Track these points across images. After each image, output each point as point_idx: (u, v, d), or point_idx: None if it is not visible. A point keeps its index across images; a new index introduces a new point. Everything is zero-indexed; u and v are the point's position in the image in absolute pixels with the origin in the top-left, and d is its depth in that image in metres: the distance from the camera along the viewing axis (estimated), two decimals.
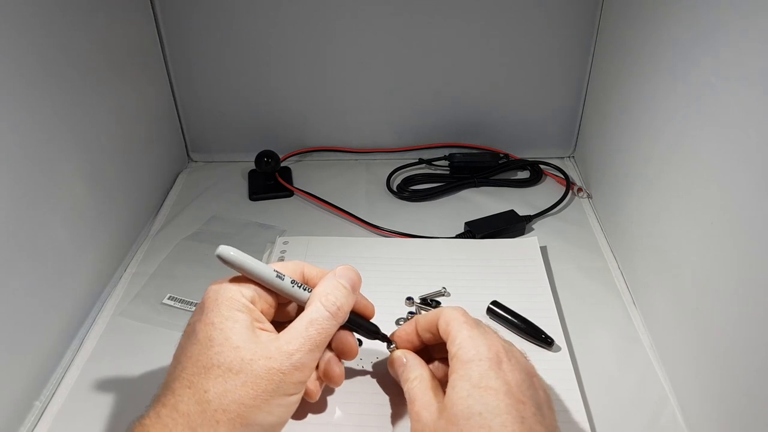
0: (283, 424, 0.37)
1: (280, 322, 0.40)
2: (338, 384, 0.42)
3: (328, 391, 0.45)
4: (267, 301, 0.39)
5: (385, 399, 0.45)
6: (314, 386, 0.41)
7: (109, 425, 0.44)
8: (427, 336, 0.42)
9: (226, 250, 0.38)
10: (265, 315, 0.39)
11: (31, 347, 0.46)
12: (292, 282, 0.40)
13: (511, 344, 0.40)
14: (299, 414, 0.43)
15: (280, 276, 0.39)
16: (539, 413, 0.35)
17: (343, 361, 0.43)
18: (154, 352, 0.50)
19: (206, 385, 0.34)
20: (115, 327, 0.54)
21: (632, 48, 0.57)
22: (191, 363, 0.35)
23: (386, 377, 0.45)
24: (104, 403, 0.46)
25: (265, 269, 0.39)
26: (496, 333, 0.41)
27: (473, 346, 0.37)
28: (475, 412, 0.34)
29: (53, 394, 0.47)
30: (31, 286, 0.46)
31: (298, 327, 0.37)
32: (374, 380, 0.46)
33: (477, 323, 0.40)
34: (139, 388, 0.47)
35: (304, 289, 0.40)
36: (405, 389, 0.39)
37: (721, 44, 0.40)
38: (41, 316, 0.47)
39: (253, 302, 0.38)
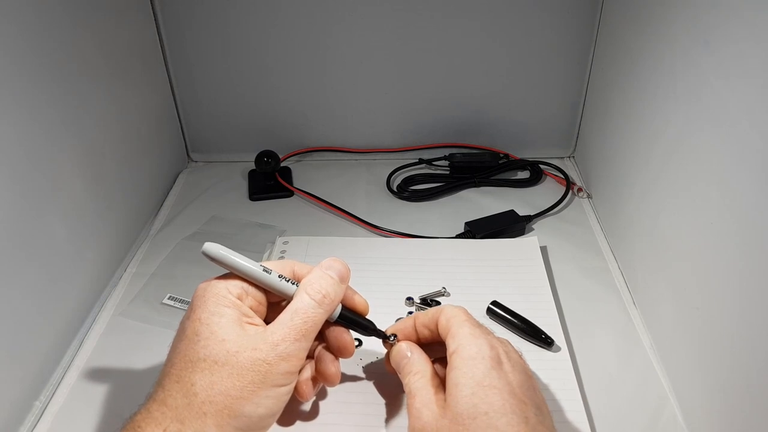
0: (273, 416, 0.37)
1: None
2: (333, 384, 0.42)
3: (327, 391, 0.45)
4: (256, 298, 0.39)
5: (384, 400, 0.45)
6: (307, 386, 0.41)
7: (109, 425, 0.44)
8: (424, 333, 0.42)
9: (212, 247, 0.38)
10: (255, 312, 0.39)
11: (31, 347, 0.46)
12: (280, 276, 0.40)
13: (506, 343, 0.40)
14: (297, 415, 0.43)
15: (266, 270, 0.39)
16: (540, 414, 0.35)
17: (341, 360, 0.42)
18: (154, 352, 0.50)
19: (193, 378, 0.34)
20: (115, 327, 0.54)
21: (632, 48, 0.57)
22: (179, 358, 0.35)
23: (386, 377, 0.45)
24: (104, 403, 0.46)
25: (251, 265, 0.39)
26: (492, 334, 0.41)
27: (475, 344, 0.37)
28: (481, 411, 0.34)
29: (53, 394, 0.47)
30: (31, 286, 0.46)
31: (283, 318, 0.37)
32: (373, 381, 0.46)
33: (478, 322, 0.40)
34: (139, 388, 0.47)
35: (292, 284, 0.40)
36: (405, 382, 0.39)
37: (721, 44, 0.40)
38: (41, 316, 0.47)
39: (240, 298, 0.38)
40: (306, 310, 0.38)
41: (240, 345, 0.35)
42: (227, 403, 0.34)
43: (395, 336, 0.43)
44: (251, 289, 0.39)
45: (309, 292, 0.39)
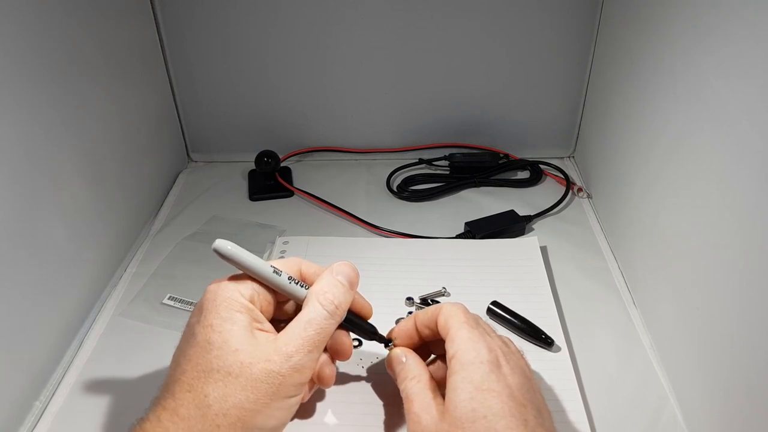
0: (282, 426, 0.37)
1: (278, 320, 0.40)
2: (328, 385, 0.41)
3: (326, 392, 0.45)
4: (266, 299, 0.39)
5: (384, 401, 0.45)
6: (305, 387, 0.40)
7: (109, 425, 0.44)
8: (426, 332, 0.42)
9: (223, 244, 0.37)
10: (264, 313, 0.38)
11: (31, 347, 0.46)
12: (289, 278, 0.39)
13: (508, 343, 0.40)
14: (297, 416, 0.43)
15: (277, 272, 0.39)
16: (540, 416, 0.35)
17: (339, 362, 0.42)
18: (154, 353, 0.50)
19: (206, 390, 0.34)
20: (115, 327, 0.54)
21: (632, 48, 0.57)
22: (191, 366, 0.35)
23: (386, 378, 0.45)
24: (104, 404, 0.46)
25: (262, 264, 0.38)
26: (494, 331, 0.41)
27: (473, 348, 0.37)
28: (480, 415, 0.34)
29: (53, 394, 0.47)
30: (31, 286, 0.46)
31: (296, 328, 0.37)
32: (373, 382, 0.46)
33: (476, 322, 0.40)
34: (139, 388, 0.47)
35: (302, 286, 0.40)
36: (402, 388, 0.39)
37: (721, 44, 0.40)
38: (41, 316, 0.47)
39: (252, 301, 0.38)
40: (319, 322, 0.37)
41: (253, 356, 0.35)
42: (240, 415, 0.34)
43: (392, 341, 0.43)
44: (262, 290, 0.39)
45: (322, 302, 0.38)
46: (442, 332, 0.40)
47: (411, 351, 0.42)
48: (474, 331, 0.38)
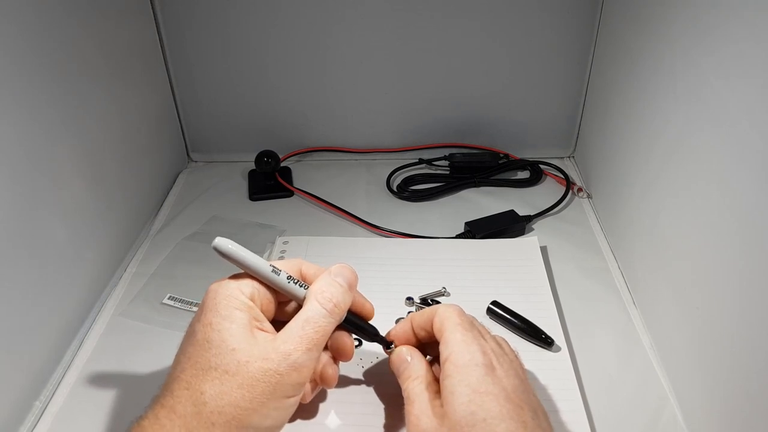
0: (279, 427, 0.37)
1: (279, 322, 0.40)
2: (331, 386, 0.41)
3: (326, 392, 0.45)
4: (267, 297, 0.39)
5: (385, 401, 0.45)
6: (307, 388, 0.40)
7: (109, 425, 0.44)
8: (422, 334, 0.42)
9: (223, 242, 0.38)
10: (265, 312, 0.39)
11: (31, 347, 0.46)
12: (288, 278, 0.39)
13: (502, 345, 0.40)
14: (298, 416, 0.43)
15: (275, 271, 0.39)
16: (536, 417, 0.35)
17: (340, 362, 0.42)
18: (154, 353, 0.50)
19: (203, 387, 0.34)
20: (115, 327, 0.54)
21: (632, 48, 0.57)
22: (190, 365, 0.35)
23: (386, 379, 0.45)
24: (104, 404, 0.46)
25: (262, 263, 0.38)
26: (489, 333, 0.41)
27: (467, 351, 0.37)
28: (479, 418, 0.34)
29: (53, 394, 0.47)
30: (31, 286, 0.46)
31: (294, 326, 0.37)
32: (374, 382, 0.46)
33: (471, 325, 0.40)
34: (139, 388, 0.47)
35: (301, 286, 0.40)
36: (404, 388, 0.39)
37: (721, 44, 0.40)
38: (41, 316, 0.47)
39: (252, 299, 0.38)
40: (318, 320, 0.37)
41: (251, 354, 0.35)
42: (236, 413, 0.34)
43: (393, 343, 0.43)
44: (262, 289, 0.39)
45: (320, 300, 0.38)
46: (437, 334, 0.39)
47: (416, 350, 0.42)
48: (468, 334, 0.38)
